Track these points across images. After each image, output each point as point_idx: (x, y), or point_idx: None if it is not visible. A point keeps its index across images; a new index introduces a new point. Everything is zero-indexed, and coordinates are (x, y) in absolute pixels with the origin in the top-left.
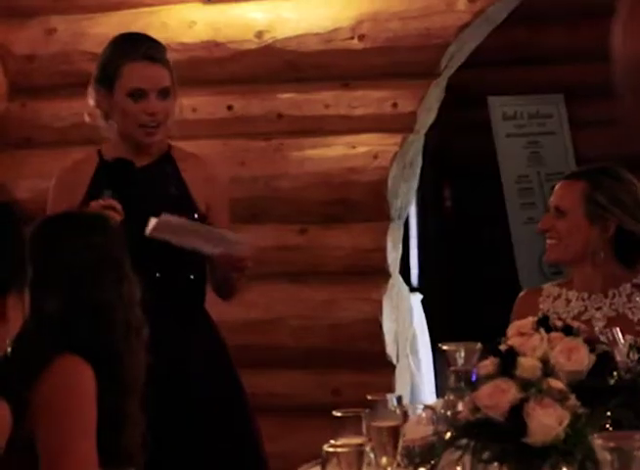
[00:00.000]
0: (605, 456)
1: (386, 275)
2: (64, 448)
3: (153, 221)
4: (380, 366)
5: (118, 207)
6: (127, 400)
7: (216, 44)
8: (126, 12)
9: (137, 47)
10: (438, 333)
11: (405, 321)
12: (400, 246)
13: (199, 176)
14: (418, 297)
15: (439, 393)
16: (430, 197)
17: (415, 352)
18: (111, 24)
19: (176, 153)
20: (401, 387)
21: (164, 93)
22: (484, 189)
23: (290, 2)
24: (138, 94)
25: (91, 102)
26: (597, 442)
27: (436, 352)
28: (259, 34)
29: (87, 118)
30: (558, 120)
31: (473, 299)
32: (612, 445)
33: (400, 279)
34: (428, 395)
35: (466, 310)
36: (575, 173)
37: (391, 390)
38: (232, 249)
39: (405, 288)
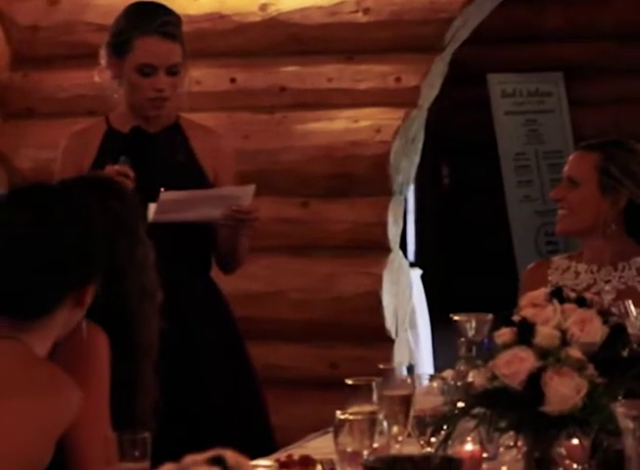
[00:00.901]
0: (627, 424)
1: (386, 250)
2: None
3: (152, 206)
4: (379, 340)
5: (131, 174)
6: (140, 366)
7: (221, 16)
8: None
9: (151, 21)
10: (436, 308)
11: (405, 296)
12: (401, 221)
13: (207, 146)
14: (417, 272)
15: (437, 368)
16: (428, 173)
17: (414, 326)
18: None
19: (185, 123)
20: (399, 361)
21: (174, 69)
22: (482, 166)
23: None
24: (147, 70)
25: (102, 62)
26: (619, 410)
27: (435, 327)
28: (264, 7)
29: (97, 78)
30: (557, 99)
31: (469, 274)
32: (634, 413)
33: (400, 254)
34: (426, 369)
35: (462, 286)
36: (590, 144)
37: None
38: (235, 205)
39: (405, 263)
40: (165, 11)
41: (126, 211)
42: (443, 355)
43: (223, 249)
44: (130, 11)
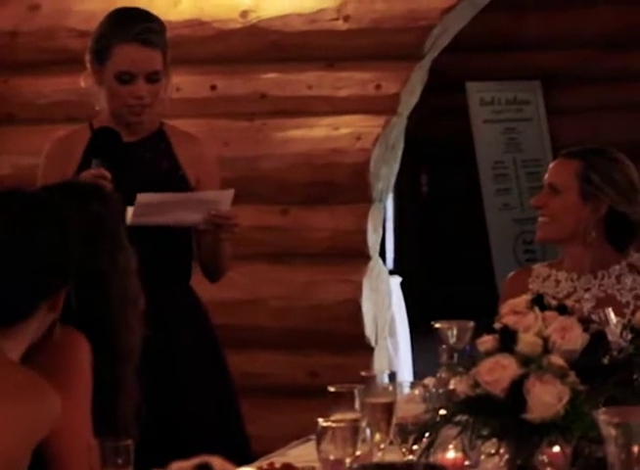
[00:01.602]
0: (609, 432)
1: (366, 257)
2: (59, 421)
3: (130, 209)
4: (358, 348)
5: (108, 175)
6: (122, 371)
7: (201, 23)
8: None
9: (130, 28)
10: (415, 315)
11: (384, 304)
12: (381, 229)
13: (191, 153)
14: (397, 279)
15: (417, 375)
16: (406, 181)
17: (393, 334)
18: (95, 1)
19: (169, 129)
20: (379, 369)
21: (154, 77)
22: (461, 174)
23: None
24: (126, 77)
25: (87, 65)
26: (602, 417)
27: (414, 335)
28: (244, 14)
29: (82, 83)
30: (535, 107)
31: (448, 282)
32: (617, 420)
33: (380, 262)
34: (406, 377)
35: (441, 294)
36: (571, 152)
37: None
38: (214, 209)
39: (385, 270)
40: (146, 17)
41: (109, 216)
42: (423, 363)
43: (206, 257)
44: (111, 17)
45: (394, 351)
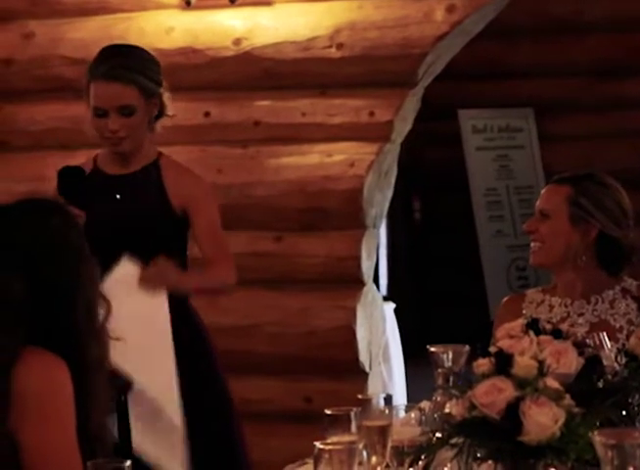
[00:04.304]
0: (605, 453)
1: (360, 283)
2: (44, 451)
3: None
4: (352, 374)
5: (80, 213)
6: (92, 381)
7: (194, 50)
8: (105, 17)
9: (101, 65)
10: (409, 341)
11: (378, 329)
12: (374, 255)
13: (179, 184)
14: (391, 305)
15: (411, 401)
16: (399, 207)
17: (387, 359)
18: (89, 30)
19: (164, 161)
20: (373, 394)
21: (125, 111)
22: (454, 201)
23: (268, 10)
24: (100, 112)
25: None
26: (598, 438)
27: (408, 360)
28: (237, 41)
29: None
30: (527, 134)
31: (441, 308)
32: (612, 442)
33: (374, 287)
34: (400, 402)
35: (434, 320)
36: (561, 178)
37: None
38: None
39: (379, 296)
40: (118, 54)
41: (68, 228)
42: (417, 388)
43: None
44: (96, 55)
45: (388, 376)
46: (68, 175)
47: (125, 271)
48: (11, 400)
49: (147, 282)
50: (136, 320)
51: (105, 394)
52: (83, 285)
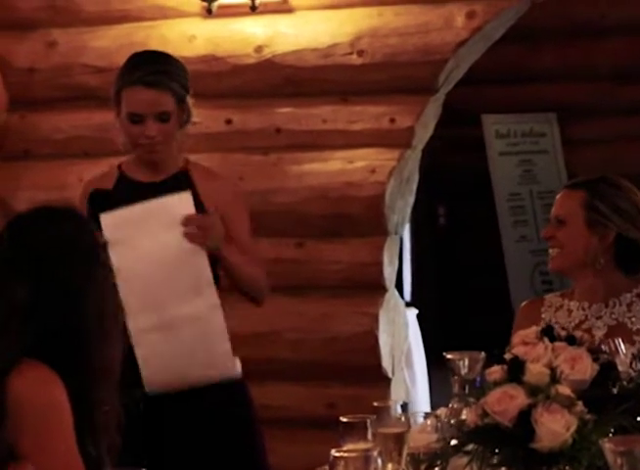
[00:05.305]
0: (614, 460)
1: (382, 289)
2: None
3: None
4: (375, 380)
5: None
6: (99, 388)
7: (215, 58)
8: (127, 25)
9: (135, 71)
10: (432, 347)
11: (401, 335)
12: (396, 261)
13: (210, 186)
14: (413, 311)
15: (434, 406)
16: (423, 213)
17: (410, 365)
18: (111, 38)
19: (192, 167)
20: (396, 400)
21: (163, 117)
22: (477, 206)
23: (289, 17)
24: (136, 118)
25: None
26: (607, 445)
27: (431, 366)
28: (258, 49)
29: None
30: (551, 139)
31: (465, 314)
32: (622, 448)
33: (396, 293)
34: (423, 408)
35: (458, 325)
36: (576, 183)
37: None
38: (182, 219)
39: (401, 302)
40: (151, 61)
41: (82, 234)
42: (440, 394)
43: (232, 282)
44: (125, 63)
45: (411, 382)
46: (97, 199)
47: (179, 204)
48: (6, 409)
49: (193, 224)
50: (169, 252)
51: (114, 400)
52: (95, 289)
